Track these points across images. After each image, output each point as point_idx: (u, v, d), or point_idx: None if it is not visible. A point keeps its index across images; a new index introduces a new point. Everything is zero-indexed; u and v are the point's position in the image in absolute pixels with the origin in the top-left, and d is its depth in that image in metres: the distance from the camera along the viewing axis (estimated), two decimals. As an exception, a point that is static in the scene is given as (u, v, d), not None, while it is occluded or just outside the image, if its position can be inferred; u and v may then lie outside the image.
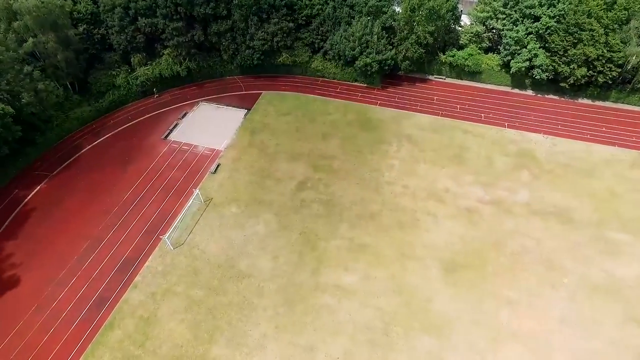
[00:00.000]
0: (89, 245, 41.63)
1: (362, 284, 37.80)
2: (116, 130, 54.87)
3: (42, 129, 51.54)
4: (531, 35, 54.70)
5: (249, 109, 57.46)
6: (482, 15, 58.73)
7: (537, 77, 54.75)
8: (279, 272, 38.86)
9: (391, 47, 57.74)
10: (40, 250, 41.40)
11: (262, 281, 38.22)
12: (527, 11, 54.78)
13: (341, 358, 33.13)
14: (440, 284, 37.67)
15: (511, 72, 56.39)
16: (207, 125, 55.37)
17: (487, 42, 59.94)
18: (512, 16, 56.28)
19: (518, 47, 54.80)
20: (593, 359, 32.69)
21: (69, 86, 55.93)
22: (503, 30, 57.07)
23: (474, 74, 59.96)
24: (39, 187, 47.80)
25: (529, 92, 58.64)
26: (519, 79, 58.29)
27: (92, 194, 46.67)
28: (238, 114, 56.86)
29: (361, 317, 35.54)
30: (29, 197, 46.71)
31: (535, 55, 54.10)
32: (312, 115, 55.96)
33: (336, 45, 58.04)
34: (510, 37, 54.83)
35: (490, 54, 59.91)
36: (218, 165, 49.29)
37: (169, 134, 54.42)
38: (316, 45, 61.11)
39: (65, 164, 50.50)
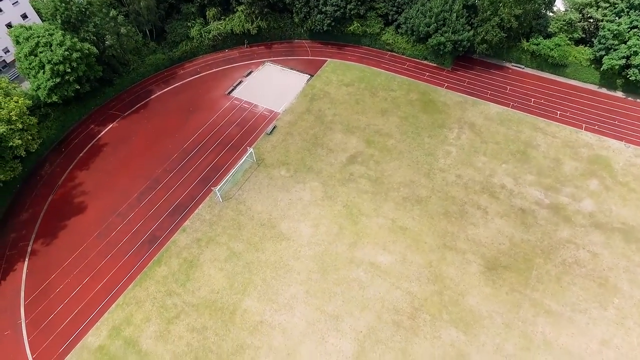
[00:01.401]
0: (148, 185, 44.90)
1: (397, 266, 37.71)
2: (184, 81, 57.36)
3: (120, 71, 55.14)
4: (635, 30, 48.59)
5: (312, 75, 57.30)
6: (580, 1, 52.90)
7: (632, 78, 48.96)
8: (317, 239, 39.71)
9: (470, 27, 54.12)
10: (106, 183, 45.39)
11: (300, 246, 39.34)
12: (637, 1, 48.43)
13: (364, 333, 33.79)
14: (478, 280, 36.61)
15: (602, 69, 50.79)
16: (269, 86, 56.15)
17: (580, 33, 54.17)
18: (616, 5, 50.15)
19: (616, 42, 49.03)
20: (631, 388, 30.74)
21: (147, 33, 58.82)
22: (602, 20, 51.22)
23: (557, 67, 54.87)
24: (111, 125, 51.80)
25: (619, 94, 52.83)
26: (610, 78, 52.57)
27: (156, 138, 49.80)
28: (301, 79, 56.97)
29: (391, 297, 35.71)
30: (102, 133, 50.85)
31: (635, 54, 48.19)
32: (375, 89, 54.70)
33: (411, 19, 55.41)
34: (608, 30, 49.12)
35: (580, 47, 54.24)
36: (274, 127, 50.23)
37: (232, 90, 55.97)
38: (390, 17, 58.77)
39: (136, 106, 53.99)
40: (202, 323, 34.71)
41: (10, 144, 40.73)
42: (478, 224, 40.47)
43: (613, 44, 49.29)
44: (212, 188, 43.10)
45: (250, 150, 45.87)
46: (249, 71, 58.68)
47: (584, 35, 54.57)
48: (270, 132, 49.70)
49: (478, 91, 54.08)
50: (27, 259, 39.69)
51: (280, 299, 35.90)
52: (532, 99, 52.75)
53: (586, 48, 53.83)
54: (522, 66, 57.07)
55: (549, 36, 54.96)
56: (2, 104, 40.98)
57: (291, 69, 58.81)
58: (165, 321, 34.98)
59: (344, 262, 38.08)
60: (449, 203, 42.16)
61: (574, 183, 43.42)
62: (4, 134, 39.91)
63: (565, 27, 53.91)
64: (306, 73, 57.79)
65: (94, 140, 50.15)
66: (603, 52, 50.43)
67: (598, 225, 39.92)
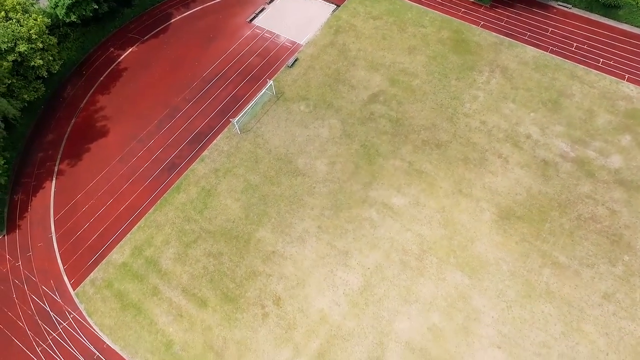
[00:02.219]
0: (168, 113, 45.05)
1: (410, 208, 38.05)
2: (205, 5, 54.86)
3: (139, -10, 52.97)
4: None
5: (338, 5, 53.85)
6: None
7: (691, 24, 44.44)
8: (332, 177, 39.99)
9: (516, -44, 48.89)
10: (127, 108, 45.71)
11: (315, 182, 39.79)
12: None
13: (371, 269, 35.15)
14: (489, 228, 36.83)
15: (659, 12, 46.17)
16: (293, 16, 53.32)
17: (641, -32, 48.42)
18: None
19: (680, -19, 43.84)
20: (625, 339, 31.66)
21: (167, -51, 55.41)
22: (669, -45, 45.38)
23: (609, 8, 49.84)
24: (130, 49, 50.89)
25: (672, 42, 48.34)
26: (666, 23, 47.82)
27: (176, 64, 48.95)
28: (326, 9, 53.72)
29: (401, 238, 36.53)
30: (121, 57, 50.19)
31: (700, -4, 43.22)
32: (404, 24, 51.34)
33: (451, -56, 50.23)
34: (674, -34, 43.66)
35: (639, -15, 48.80)
36: (295, 60, 48.51)
37: (254, 17, 53.45)
38: (428, -59, 53.40)
39: (156, 30, 52.48)
40: (218, 249, 36.59)
41: (32, 63, 40.79)
42: (497, 172, 39.79)
43: (677, -16, 44.10)
44: (231, 119, 42.99)
45: (270, 82, 44.84)
46: (272, -3, 55.52)
47: (645, -28, 48.81)
48: (292, 65, 48.12)
49: (516, 32, 50.18)
50: (54, 178, 41.59)
51: (292, 232, 37.18)
52: (575, 44, 48.80)
53: (645, -13, 48.41)
54: (569, 5, 52.06)
55: (604, -29, 49.37)
56: (22, 21, 40.39)
57: (317, -4, 55.33)
58: (184, 245, 36.99)
59: (357, 201, 38.59)
60: (469, 149, 41.22)
61: (604, 137, 41.48)
62: (25, 52, 39.79)
63: (626, -39, 48.14)
64: (332, 3, 54.30)
65: (114, 64, 49.68)
66: (663, -7, 45.38)
67: (622, 183, 38.74)
